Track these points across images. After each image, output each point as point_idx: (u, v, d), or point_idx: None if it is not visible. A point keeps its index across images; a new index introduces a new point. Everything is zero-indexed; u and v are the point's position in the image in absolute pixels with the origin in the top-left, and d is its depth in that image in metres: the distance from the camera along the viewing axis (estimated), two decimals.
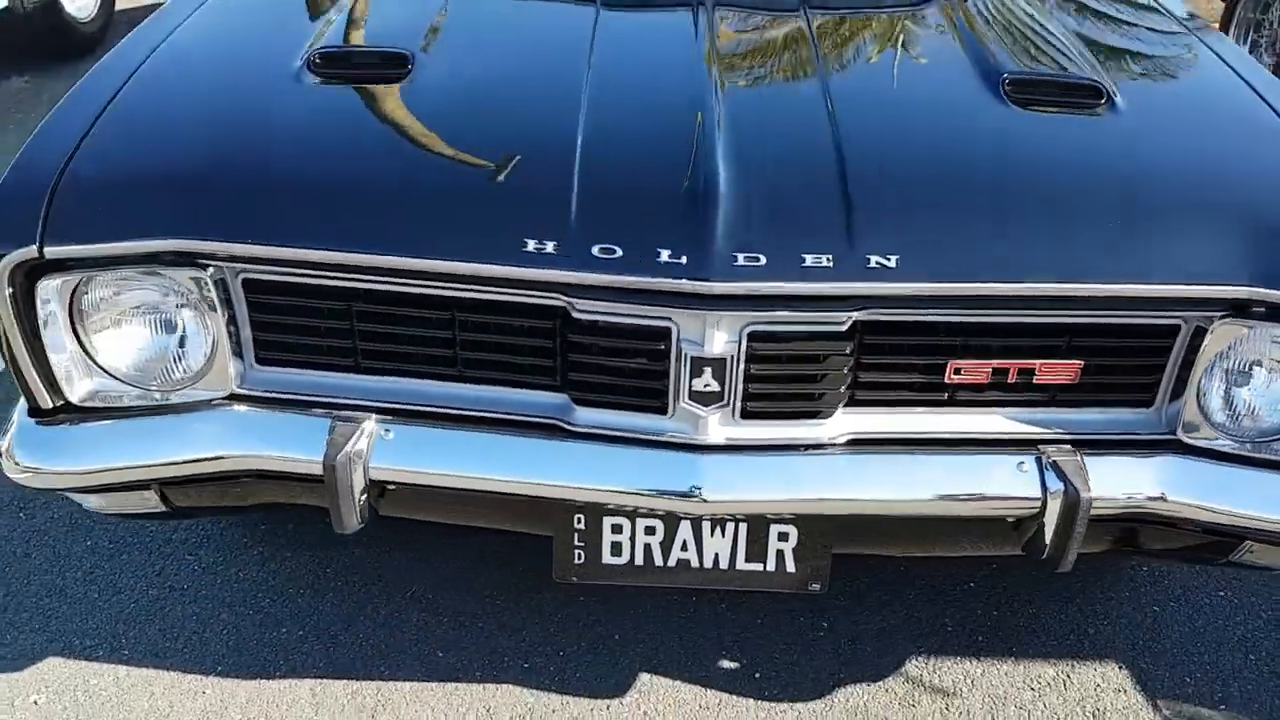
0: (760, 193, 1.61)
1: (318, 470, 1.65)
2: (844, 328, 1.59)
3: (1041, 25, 2.28)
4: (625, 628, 2.26)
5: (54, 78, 5.26)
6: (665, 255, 1.55)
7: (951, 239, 1.62)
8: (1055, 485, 1.64)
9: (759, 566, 1.81)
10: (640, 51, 2.06)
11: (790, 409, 1.68)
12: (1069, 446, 1.70)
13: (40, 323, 1.63)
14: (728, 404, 1.64)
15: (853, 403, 1.70)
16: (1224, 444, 1.72)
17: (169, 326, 1.69)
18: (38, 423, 1.72)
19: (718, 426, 1.67)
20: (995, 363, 1.67)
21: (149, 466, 1.70)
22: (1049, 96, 1.89)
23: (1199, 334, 1.65)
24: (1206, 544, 1.79)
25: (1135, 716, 2.13)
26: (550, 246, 1.56)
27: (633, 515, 1.76)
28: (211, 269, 1.62)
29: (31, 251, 1.56)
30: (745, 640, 2.25)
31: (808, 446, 1.70)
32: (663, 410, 1.66)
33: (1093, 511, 1.64)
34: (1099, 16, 2.49)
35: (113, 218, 1.59)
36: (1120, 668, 2.23)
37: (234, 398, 1.73)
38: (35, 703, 2.06)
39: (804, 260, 1.55)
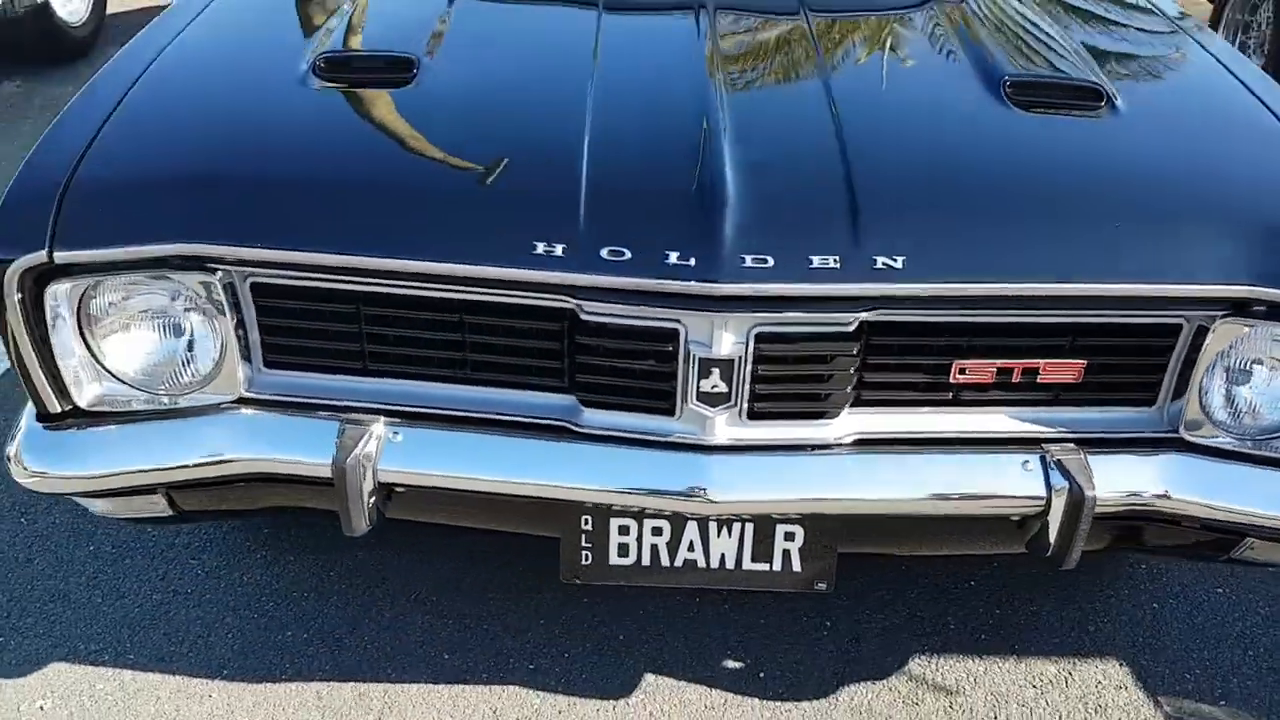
0: (767, 195, 1.62)
1: (327, 473, 1.66)
2: (851, 328, 1.61)
3: (1038, 27, 2.30)
4: (629, 629, 2.27)
5: (45, 82, 5.25)
6: (674, 257, 1.55)
7: (957, 240, 1.63)
8: (1060, 483, 1.65)
9: (765, 566, 1.82)
10: (644, 55, 2.07)
11: (797, 409, 1.69)
12: (1073, 445, 1.71)
13: (49, 327, 1.63)
14: (735, 405, 1.65)
15: (859, 403, 1.71)
16: (1225, 442, 1.74)
17: (177, 330, 1.69)
18: (45, 427, 1.73)
19: (725, 427, 1.68)
20: (1000, 362, 1.68)
21: (158, 471, 1.71)
22: (1050, 98, 1.91)
23: (1201, 333, 1.66)
24: (1207, 541, 1.80)
25: (1137, 713, 2.14)
26: (559, 249, 1.56)
27: (639, 516, 1.77)
28: (221, 273, 1.62)
29: (41, 257, 1.57)
30: (749, 640, 2.26)
31: (814, 447, 1.71)
32: (670, 411, 1.67)
33: (1097, 509, 1.65)
34: (1093, 17, 2.52)
35: (122, 222, 1.60)
36: (1121, 664, 2.25)
37: (242, 401, 1.73)
38: (41, 708, 2.05)
39: (811, 262, 1.56)
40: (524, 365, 1.70)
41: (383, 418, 1.70)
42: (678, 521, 1.77)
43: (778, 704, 2.13)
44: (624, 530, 1.79)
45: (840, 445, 1.71)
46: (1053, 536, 1.69)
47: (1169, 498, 1.68)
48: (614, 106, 1.81)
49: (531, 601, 2.31)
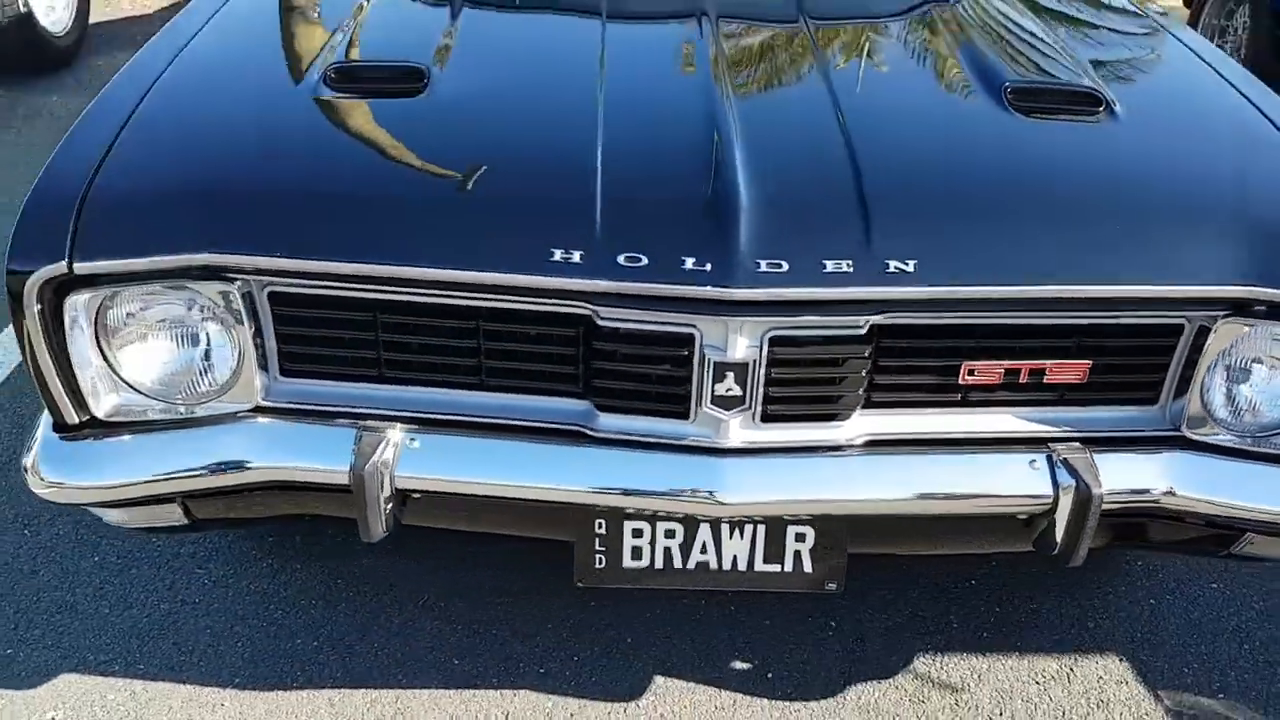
0: (780, 201, 1.65)
1: (344, 480, 1.67)
2: (863, 331, 1.63)
3: (1031, 33, 2.34)
4: (637, 631, 2.29)
5: (29, 91, 5.22)
6: (690, 263, 1.58)
7: (966, 243, 1.66)
8: (1067, 482, 1.69)
9: (777, 567, 1.84)
10: (650, 63, 2.10)
11: (809, 412, 1.72)
12: (1078, 444, 1.75)
13: (67, 338, 1.64)
14: (749, 408, 1.68)
15: (869, 405, 1.74)
16: (1226, 439, 1.78)
17: (194, 340, 1.70)
18: (62, 438, 1.73)
19: (739, 430, 1.70)
20: (1008, 363, 1.71)
21: (176, 480, 1.71)
22: (1050, 104, 1.95)
23: (1202, 333, 1.70)
24: (1208, 536, 1.84)
25: (1138, 707, 2.18)
26: (577, 256, 1.59)
27: (653, 519, 1.79)
28: (239, 282, 1.63)
29: (61, 267, 1.57)
30: (755, 641, 2.28)
31: (826, 448, 1.74)
32: (685, 415, 1.70)
33: (1103, 507, 1.69)
34: (1081, 21, 2.56)
35: (141, 232, 1.61)
36: (1121, 660, 2.28)
37: (258, 410, 1.74)
38: (53, 719, 2.05)
39: (825, 266, 1.59)
40: (539, 371, 1.72)
41: (399, 424, 1.72)
42: (690, 524, 1.80)
43: (786, 704, 2.15)
44: (637, 533, 1.81)
45: (851, 447, 1.74)
46: (1059, 534, 1.72)
47: (1174, 494, 1.72)
48: (624, 115, 1.84)
49: (539, 606, 2.33)
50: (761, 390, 1.66)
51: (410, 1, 2.32)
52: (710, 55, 2.06)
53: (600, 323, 1.62)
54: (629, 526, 1.80)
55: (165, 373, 1.71)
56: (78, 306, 1.62)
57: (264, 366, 1.72)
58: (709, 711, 2.14)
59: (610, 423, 1.72)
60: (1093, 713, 2.16)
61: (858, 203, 1.66)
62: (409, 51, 1.99)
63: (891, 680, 2.22)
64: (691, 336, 1.62)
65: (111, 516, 1.85)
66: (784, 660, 2.24)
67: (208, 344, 1.70)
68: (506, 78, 1.99)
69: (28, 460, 1.73)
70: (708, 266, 1.58)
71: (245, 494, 1.76)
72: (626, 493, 1.71)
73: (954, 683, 2.22)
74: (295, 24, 2.22)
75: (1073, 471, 1.69)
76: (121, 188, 1.65)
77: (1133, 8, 2.64)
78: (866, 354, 1.66)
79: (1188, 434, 1.78)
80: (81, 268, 1.58)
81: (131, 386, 1.71)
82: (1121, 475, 1.72)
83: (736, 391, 1.66)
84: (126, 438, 1.73)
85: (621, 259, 1.58)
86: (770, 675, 2.21)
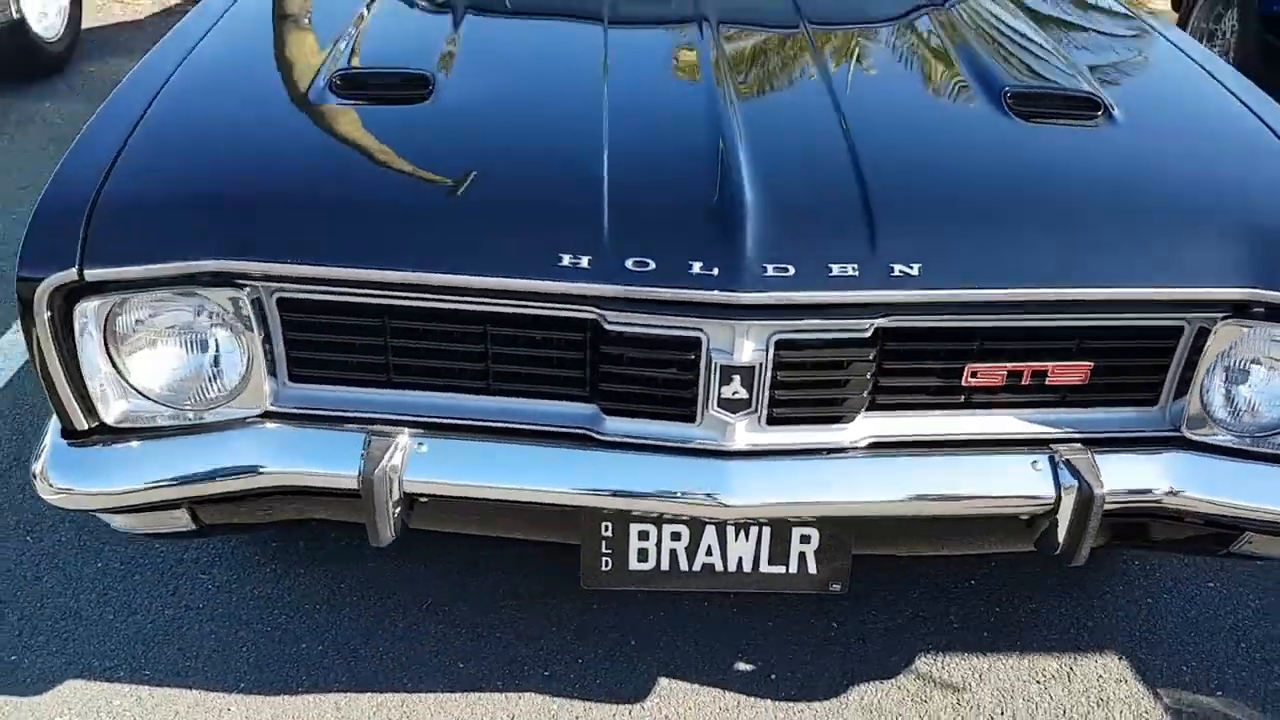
0: (786, 206, 1.66)
1: (353, 485, 1.68)
2: (867, 334, 1.65)
3: (1027, 37, 2.36)
4: (641, 634, 2.30)
5: (21, 98, 5.21)
6: (697, 267, 1.59)
7: (969, 247, 1.68)
8: (1069, 482, 1.71)
9: (782, 569, 1.85)
10: (653, 68, 2.12)
11: (814, 414, 1.73)
12: (1080, 445, 1.77)
13: (76, 345, 1.64)
14: (755, 411, 1.69)
15: (873, 407, 1.76)
16: (1225, 439, 1.80)
17: (203, 346, 1.71)
18: (70, 444, 1.73)
19: (744, 433, 1.72)
20: (1010, 366, 1.73)
21: (185, 485, 1.72)
22: (1049, 109, 1.97)
23: (1202, 334, 1.72)
24: (1208, 536, 1.87)
25: (1138, 705, 2.20)
26: (585, 261, 1.60)
27: (659, 521, 1.80)
28: (249, 289, 1.64)
29: (72, 274, 1.58)
30: (758, 643, 2.30)
31: (830, 451, 1.75)
32: (691, 418, 1.71)
33: (1105, 507, 1.70)
34: (1074, 25, 2.59)
35: (152, 239, 1.61)
36: (1120, 658, 2.30)
37: (267, 415, 1.75)
38: None
39: (831, 270, 1.61)
40: (546, 375, 1.74)
41: (407, 429, 1.73)
42: (696, 526, 1.81)
43: (790, 704, 2.17)
44: (643, 536, 1.82)
45: (855, 449, 1.76)
46: (1062, 534, 1.74)
47: (1175, 494, 1.74)
48: (628, 120, 1.85)
49: (542, 609, 2.34)
50: (767, 393, 1.68)
51: (413, 9, 2.33)
52: (712, 60, 2.08)
53: (607, 327, 1.64)
54: (635, 529, 1.81)
55: (174, 379, 1.72)
56: (87, 313, 1.63)
57: (272, 372, 1.73)
58: (713, 713, 2.15)
59: (617, 426, 1.73)
60: (1093, 711, 2.18)
61: (862, 207, 1.68)
62: (413, 58, 2.00)
63: (894, 680, 2.23)
64: (698, 340, 1.64)
65: (119, 522, 1.85)
66: (787, 661, 2.26)
67: (217, 350, 1.71)
68: (511, 84, 2.00)
69: (36, 467, 1.73)
70: (715, 271, 1.59)
71: (253, 499, 1.77)
72: (633, 495, 1.72)
73: (956, 682, 2.24)
74: (300, 30, 2.23)
75: (1075, 472, 1.71)
76: (131, 194, 1.66)
77: (1124, 10, 2.67)
78: (871, 357, 1.68)
79: (1187, 434, 1.80)
80: (92, 274, 1.59)
81: (140, 393, 1.72)
82: (1122, 475, 1.74)
83: (743, 394, 1.67)
84: (135, 444, 1.73)
85: (629, 264, 1.60)
86: (774, 676, 2.23)
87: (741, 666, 2.25)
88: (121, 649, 2.21)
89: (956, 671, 2.26)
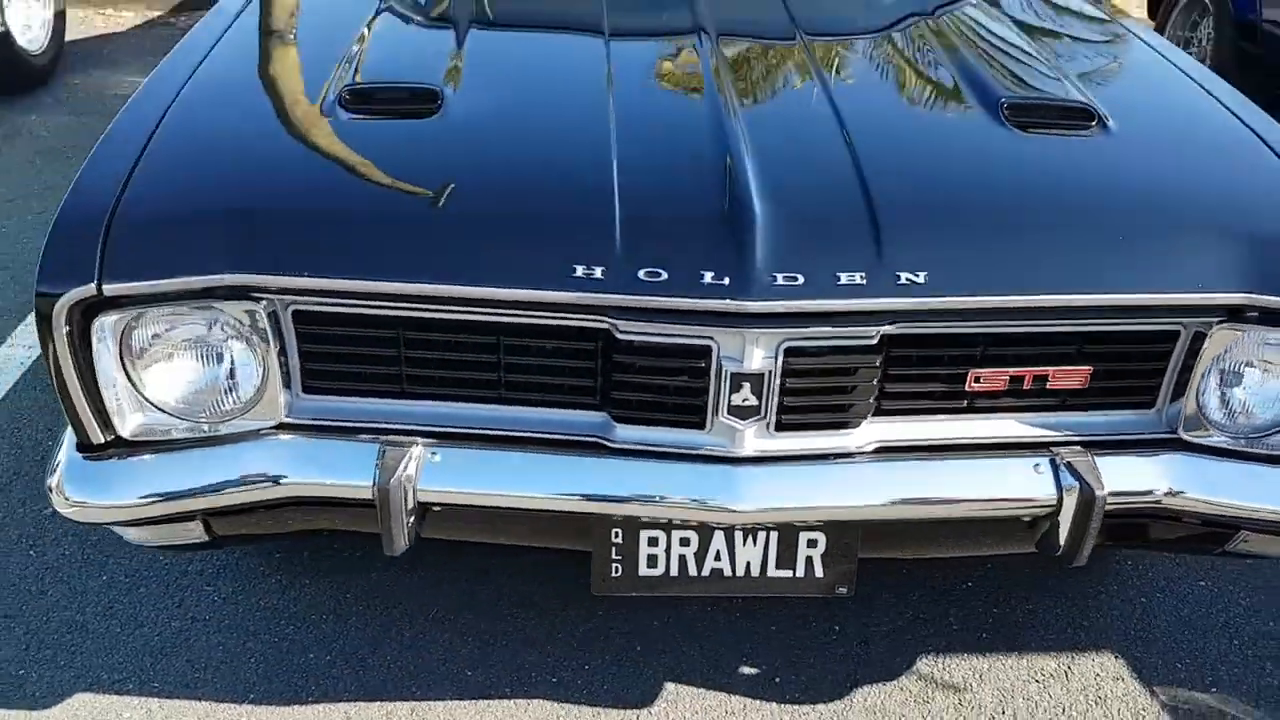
0: (794, 216, 1.70)
1: (368, 495, 1.70)
2: (874, 341, 1.68)
3: (1017, 45, 2.41)
4: (647, 640, 2.32)
5: (7, 110, 5.19)
6: (709, 277, 1.62)
7: (973, 255, 1.72)
8: (1070, 484, 1.74)
9: (789, 573, 1.88)
10: (655, 80, 2.15)
11: (821, 420, 1.76)
12: (1080, 447, 1.80)
13: (94, 359, 1.66)
14: (764, 417, 1.72)
15: (879, 412, 1.79)
16: (1221, 441, 1.85)
17: (219, 359, 1.72)
18: (86, 458, 1.74)
19: (753, 439, 1.75)
20: (1013, 370, 1.77)
21: (201, 498, 1.73)
22: (1046, 119, 2.01)
23: (1198, 338, 1.77)
24: (1204, 535, 1.91)
25: (1135, 702, 2.24)
26: (598, 272, 1.63)
27: (668, 527, 1.83)
28: (264, 302, 1.66)
29: (90, 289, 1.59)
30: (763, 647, 2.32)
31: (837, 456, 1.79)
32: (701, 425, 1.74)
33: (1105, 507, 1.74)
34: (1060, 34, 2.64)
35: (170, 253, 1.63)
36: (1116, 657, 2.35)
37: (281, 427, 1.76)
38: None
39: (839, 279, 1.64)
40: (558, 384, 1.76)
41: (420, 439, 1.75)
42: (705, 532, 1.84)
43: (795, 707, 2.20)
44: (653, 542, 1.85)
45: (861, 454, 1.79)
46: (1063, 535, 1.78)
47: (1175, 495, 1.78)
48: (635, 132, 1.88)
49: (548, 616, 2.36)
50: (776, 400, 1.71)
51: (416, 25, 2.35)
52: (713, 69, 2.11)
53: (619, 336, 1.66)
54: (644, 535, 1.84)
55: (190, 392, 1.73)
56: (105, 328, 1.64)
57: (287, 384, 1.75)
58: (719, 716, 2.17)
59: (627, 434, 1.76)
60: (1092, 709, 2.22)
61: (869, 217, 1.71)
62: (420, 73, 2.03)
63: (896, 682, 2.27)
64: (709, 348, 1.67)
65: (131, 534, 1.86)
66: (791, 664, 2.29)
67: (232, 363, 1.72)
68: (517, 97, 2.03)
69: (52, 480, 1.74)
70: (726, 280, 1.62)
71: (267, 510, 1.78)
72: (644, 502, 1.75)
73: (957, 683, 2.27)
74: (305, 45, 2.24)
75: (1076, 474, 1.75)
76: (148, 209, 1.68)
77: (1107, 17, 2.72)
78: (877, 363, 1.71)
79: (1184, 436, 1.84)
80: (111, 289, 1.60)
81: (156, 406, 1.73)
82: (1122, 477, 1.78)
83: (752, 401, 1.70)
84: (149, 456, 1.75)
85: (642, 274, 1.63)
86: (778, 679, 2.26)
87: (746, 670, 2.28)
88: (129, 661, 2.22)
89: (957, 672, 2.30)
